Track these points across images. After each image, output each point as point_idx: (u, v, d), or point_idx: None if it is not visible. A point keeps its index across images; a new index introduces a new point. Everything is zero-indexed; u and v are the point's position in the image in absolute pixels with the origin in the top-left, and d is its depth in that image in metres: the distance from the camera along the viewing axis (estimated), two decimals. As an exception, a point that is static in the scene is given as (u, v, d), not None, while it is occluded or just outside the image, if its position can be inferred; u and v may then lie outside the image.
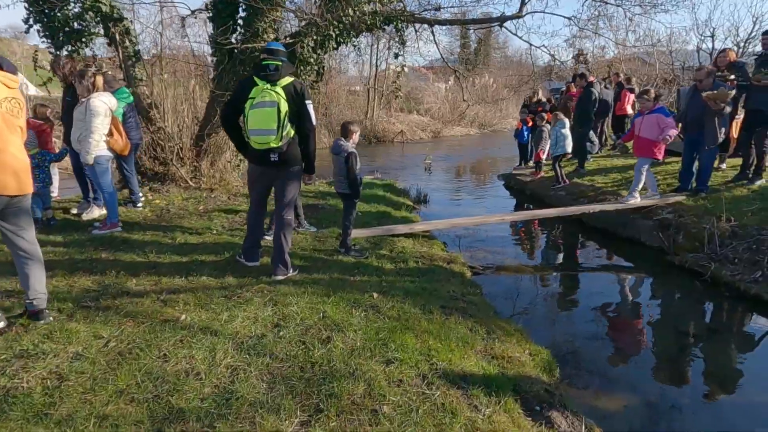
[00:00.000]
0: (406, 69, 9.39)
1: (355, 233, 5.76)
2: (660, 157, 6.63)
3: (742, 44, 17.48)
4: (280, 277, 4.19)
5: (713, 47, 17.53)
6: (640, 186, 6.66)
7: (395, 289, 4.12)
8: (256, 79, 3.89)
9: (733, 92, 6.25)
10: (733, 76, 7.05)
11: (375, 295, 3.90)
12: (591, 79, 9.52)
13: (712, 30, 16.56)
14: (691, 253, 5.50)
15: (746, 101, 6.67)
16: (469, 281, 4.81)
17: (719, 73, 6.90)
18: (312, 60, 7.90)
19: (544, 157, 10.36)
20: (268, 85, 3.80)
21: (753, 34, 17.23)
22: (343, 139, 4.90)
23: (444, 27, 14.65)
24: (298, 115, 3.92)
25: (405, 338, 3.17)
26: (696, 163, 6.75)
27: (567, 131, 8.79)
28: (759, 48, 8.82)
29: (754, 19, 16.87)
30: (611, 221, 6.82)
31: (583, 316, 4.58)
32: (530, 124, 10.84)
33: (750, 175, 6.75)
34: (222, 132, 7.27)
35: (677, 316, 4.62)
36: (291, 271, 4.29)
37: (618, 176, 8.64)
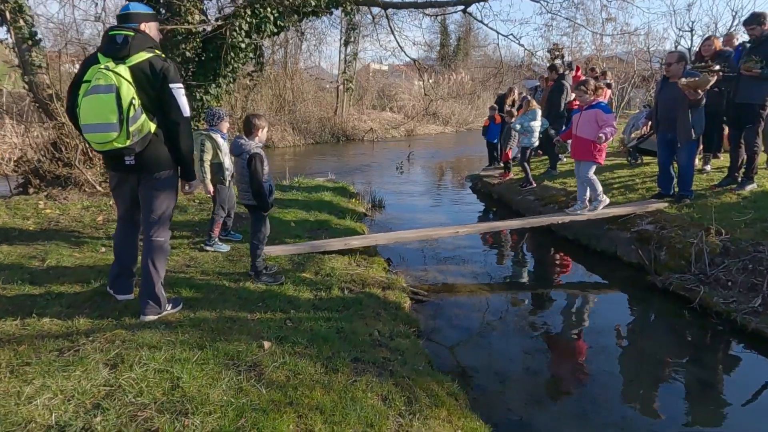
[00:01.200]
0: (358, 59, 8.40)
1: (277, 251, 4.77)
2: (601, 161, 5.70)
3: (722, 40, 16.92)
4: (149, 318, 3.18)
5: (692, 44, 16.94)
6: (598, 193, 5.71)
7: (299, 333, 3.14)
8: (99, 55, 2.87)
9: (714, 79, 5.38)
10: (718, 67, 6.25)
11: (266, 344, 2.92)
12: (563, 70, 8.66)
13: (690, 24, 15.90)
14: (676, 273, 4.63)
15: (734, 94, 5.85)
16: (404, 315, 3.86)
17: (702, 63, 6.06)
18: (244, 46, 6.87)
19: (512, 156, 9.50)
20: (110, 64, 2.77)
21: (733, 29, 16.67)
22: (244, 137, 3.88)
23: (421, 22, 13.66)
24: (159, 103, 2.90)
25: (279, 424, 2.19)
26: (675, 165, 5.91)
27: (537, 124, 7.88)
28: (740, 42, 8.05)
29: (734, 13, 16.28)
30: (583, 232, 5.95)
31: (542, 364, 3.66)
32: (498, 121, 9.96)
33: (740, 179, 5.94)
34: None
35: (661, 362, 3.67)
36: (166, 308, 3.28)
37: (592, 179, 7.79)
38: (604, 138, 5.36)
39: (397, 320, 3.68)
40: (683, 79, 5.30)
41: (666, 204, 5.78)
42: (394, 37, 8.26)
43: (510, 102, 8.51)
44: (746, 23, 5.74)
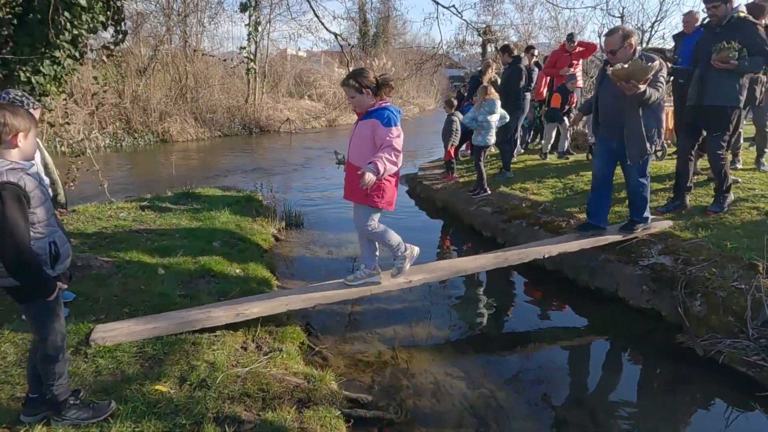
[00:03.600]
0: (259, 29, 6.41)
1: (117, 334, 2.84)
2: (384, 203, 3.31)
3: (648, 28, 16.56)
4: None
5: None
6: (394, 248, 3.49)
7: None
8: None
9: (656, 64, 3.75)
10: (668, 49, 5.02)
11: None
12: (518, 53, 7.22)
13: (621, 10, 15.29)
14: (721, 334, 3.24)
15: (698, 94, 4.38)
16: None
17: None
18: (85, 2, 4.71)
19: (453, 152, 7.98)
20: None
21: (661, 16, 16.35)
22: (-12, 151, 1.89)
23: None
24: None
25: None
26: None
27: (495, 118, 6.35)
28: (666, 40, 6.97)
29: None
30: (570, 263, 4.48)
31: None
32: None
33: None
34: None
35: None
36: None
37: (557, 183, 6.42)
38: (373, 173, 2.93)
39: None
40: (611, 68, 3.70)
41: (671, 223, 4.46)
42: (310, 5, 6.37)
43: (487, 80, 6.96)
44: (707, 1, 4.25)
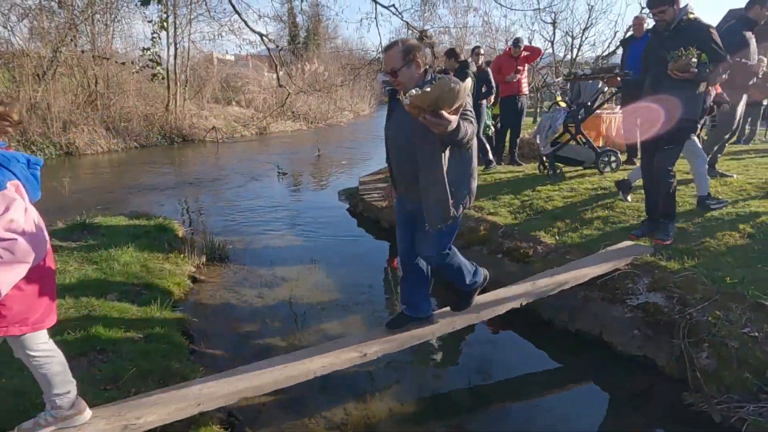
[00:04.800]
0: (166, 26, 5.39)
1: None
2: (12, 331, 1.95)
3: (578, 34, 16.78)
4: None
5: (554, 38, 16.55)
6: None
7: None
8: None
9: (467, 84, 2.73)
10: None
11: None
12: (465, 57, 6.64)
13: (553, 16, 15.36)
14: (737, 395, 2.71)
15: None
16: None
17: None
18: None
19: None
20: None
21: (589, 24, 16.63)
22: None
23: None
24: None
25: None
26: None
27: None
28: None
29: (590, 6, 16.14)
30: (546, 301, 3.86)
31: None
32: None
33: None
34: None
35: None
36: None
37: (514, 200, 5.87)
38: None
39: None
40: (406, 96, 2.19)
41: (650, 246, 3.97)
42: (230, 2, 5.44)
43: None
44: (652, 5, 3.77)
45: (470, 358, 3.65)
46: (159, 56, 5.17)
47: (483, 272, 3.15)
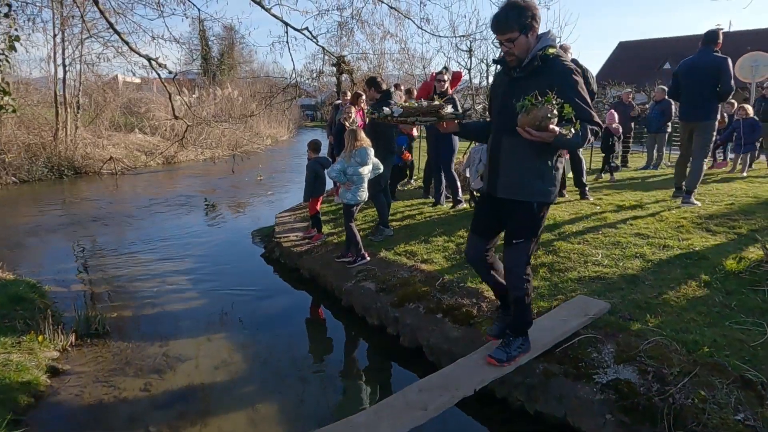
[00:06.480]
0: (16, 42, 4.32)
1: None
2: None
3: (492, 63, 17.06)
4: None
5: (470, 65, 16.67)
6: None
7: None
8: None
9: None
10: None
11: None
12: (387, 86, 6.08)
13: (469, 44, 15.44)
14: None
15: (488, 179, 2.94)
16: None
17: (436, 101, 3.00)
18: None
19: (319, 206, 6.57)
20: None
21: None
22: None
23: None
24: None
25: None
26: None
27: (367, 170, 5.12)
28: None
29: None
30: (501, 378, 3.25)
31: None
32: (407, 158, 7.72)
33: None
34: None
35: None
36: None
37: (449, 243, 5.31)
38: None
39: None
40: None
41: (607, 305, 3.51)
42: (106, 19, 4.51)
43: (352, 122, 5.62)
44: (496, 29, 2.61)
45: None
46: (7, 84, 4.09)
47: None
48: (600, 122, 2.61)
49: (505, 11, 2.55)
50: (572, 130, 2.42)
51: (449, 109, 2.95)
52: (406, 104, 3.02)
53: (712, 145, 6.19)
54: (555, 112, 2.36)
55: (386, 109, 3.01)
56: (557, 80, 2.51)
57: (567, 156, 6.96)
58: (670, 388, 2.66)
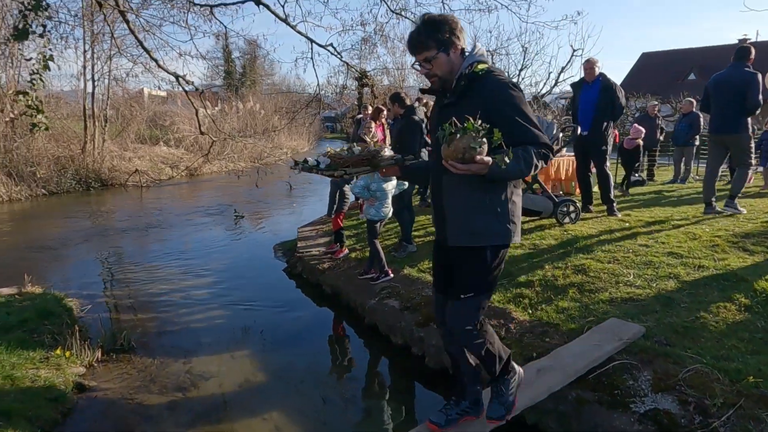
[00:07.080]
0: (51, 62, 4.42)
1: None
2: None
3: (516, 76, 17.01)
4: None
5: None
6: None
7: None
8: None
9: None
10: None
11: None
12: (411, 101, 6.06)
13: (492, 59, 15.50)
14: None
15: (436, 224, 2.52)
16: None
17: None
18: None
19: (342, 219, 6.56)
20: None
21: (524, 66, 16.90)
22: None
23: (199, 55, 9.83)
24: None
25: None
26: None
27: (391, 186, 5.10)
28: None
29: (524, 48, 16.43)
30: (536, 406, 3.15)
31: None
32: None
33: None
34: None
35: None
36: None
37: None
38: None
39: None
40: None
41: (642, 329, 3.39)
42: (135, 36, 4.60)
43: (370, 137, 5.61)
44: (413, 50, 2.24)
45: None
46: (41, 102, 4.19)
47: None
48: (549, 143, 2.15)
49: (418, 28, 2.21)
50: (506, 159, 1.97)
51: (387, 152, 2.74)
52: (335, 153, 2.79)
53: (752, 153, 6.19)
54: (482, 139, 1.94)
55: (311, 160, 2.80)
56: (491, 99, 2.11)
57: (594, 170, 6.85)
58: (714, 421, 2.53)
